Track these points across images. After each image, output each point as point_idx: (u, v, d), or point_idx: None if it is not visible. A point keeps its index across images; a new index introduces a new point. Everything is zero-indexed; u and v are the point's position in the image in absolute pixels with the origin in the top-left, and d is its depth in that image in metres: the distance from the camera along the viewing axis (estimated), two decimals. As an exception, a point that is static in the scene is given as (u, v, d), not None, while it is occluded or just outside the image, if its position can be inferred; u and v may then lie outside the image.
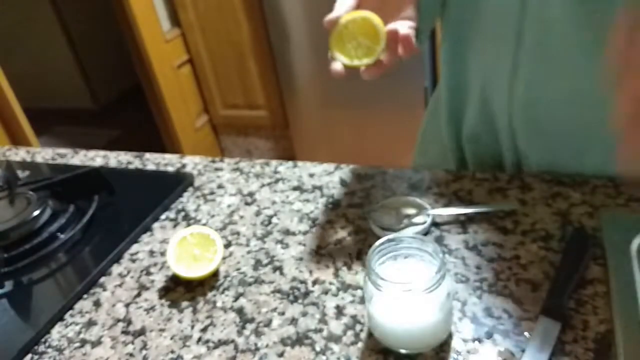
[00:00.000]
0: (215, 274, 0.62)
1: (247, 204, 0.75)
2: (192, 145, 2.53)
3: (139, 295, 0.62)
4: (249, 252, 0.65)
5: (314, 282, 0.59)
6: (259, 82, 2.38)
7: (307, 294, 0.57)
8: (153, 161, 0.91)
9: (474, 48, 0.67)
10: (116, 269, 0.67)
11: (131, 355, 0.54)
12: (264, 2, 2.13)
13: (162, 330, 0.56)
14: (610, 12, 0.54)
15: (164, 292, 0.61)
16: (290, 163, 0.82)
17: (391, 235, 0.48)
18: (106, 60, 3.51)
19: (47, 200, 0.76)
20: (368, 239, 0.63)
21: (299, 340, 0.52)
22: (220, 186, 0.80)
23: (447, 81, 0.74)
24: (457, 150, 0.78)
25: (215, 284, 0.61)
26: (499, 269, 0.56)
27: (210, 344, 0.53)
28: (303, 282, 0.59)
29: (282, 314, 0.55)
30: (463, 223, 0.63)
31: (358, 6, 0.57)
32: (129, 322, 0.58)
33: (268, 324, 0.54)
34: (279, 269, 0.62)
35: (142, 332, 0.56)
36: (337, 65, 0.56)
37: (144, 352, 0.54)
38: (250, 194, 0.77)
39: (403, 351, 0.48)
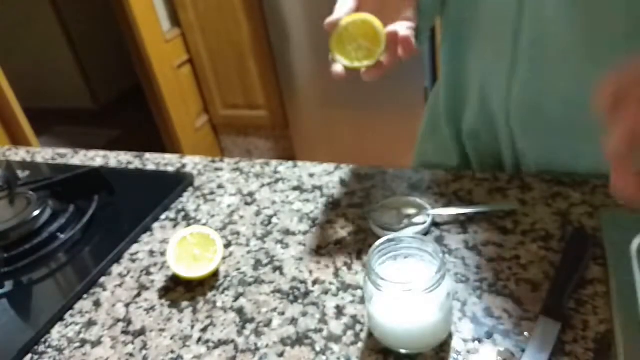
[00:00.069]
0: (215, 274, 0.62)
1: (247, 204, 0.75)
2: (192, 145, 2.53)
3: (139, 295, 0.62)
4: (249, 252, 0.65)
5: (314, 282, 0.59)
6: (259, 82, 2.38)
7: (307, 294, 0.57)
8: (153, 161, 0.91)
9: (473, 47, 0.68)
10: (116, 269, 0.67)
11: (131, 355, 0.54)
12: (264, 2, 2.13)
13: (162, 330, 0.56)
14: (604, 13, 0.55)
15: (164, 292, 0.61)
16: (290, 163, 0.82)
17: (391, 235, 0.48)
18: (106, 60, 3.51)
19: (47, 200, 0.76)
20: (368, 239, 0.63)
21: (299, 340, 0.52)
22: (220, 186, 0.80)
23: (446, 80, 0.74)
24: (459, 145, 0.78)
25: (215, 284, 0.61)
26: (499, 269, 0.56)
27: (210, 344, 0.53)
28: (303, 282, 0.59)
29: (282, 314, 0.55)
30: (463, 223, 0.63)
31: (358, 8, 0.57)
32: (129, 322, 0.58)
33: (268, 324, 0.54)
34: (279, 269, 0.62)
35: (142, 332, 0.56)
36: (337, 68, 0.57)
37: (144, 352, 0.54)
38: (250, 194, 0.77)
39: (403, 351, 0.48)
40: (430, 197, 0.68)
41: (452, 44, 0.71)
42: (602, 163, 0.34)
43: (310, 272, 0.60)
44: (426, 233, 0.62)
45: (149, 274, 0.65)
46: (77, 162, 0.95)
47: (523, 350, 0.46)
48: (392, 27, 0.56)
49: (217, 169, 0.84)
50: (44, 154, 0.99)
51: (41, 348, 0.57)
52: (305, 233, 0.66)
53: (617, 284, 0.49)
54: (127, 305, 0.60)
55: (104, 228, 0.74)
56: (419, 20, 0.61)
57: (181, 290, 0.61)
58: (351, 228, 0.66)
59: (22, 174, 0.90)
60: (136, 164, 0.91)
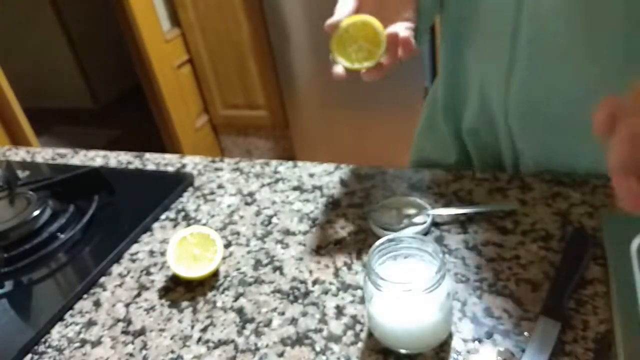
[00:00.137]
0: (215, 274, 0.62)
1: (247, 204, 0.75)
2: (192, 145, 2.53)
3: (139, 295, 0.62)
4: (249, 252, 0.65)
5: (314, 282, 0.59)
6: (259, 82, 2.38)
7: (307, 294, 0.57)
8: (153, 161, 0.91)
9: (472, 46, 0.68)
10: (116, 269, 0.67)
11: (131, 355, 0.54)
12: (264, 2, 2.13)
13: (162, 330, 0.56)
14: (603, 13, 0.55)
15: (164, 292, 0.61)
16: (290, 163, 0.82)
17: (391, 235, 0.48)
18: (106, 60, 3.51)
19: (47, 200, 0.76)
20: (368, 239, 0.63)
21: (299, 340, 0.52)
22: (220, 186, 0.80)
23: (445, 79, 0.74)
24: (457, 142, 0.78)
25: (215, 284, 0.61)
26: (499, 269, 0.56)
27: (210, 344, 0.53)
28: (303, 282, 0.59)
29: (282, 314, 0.55)
30: (463, 223, 0.63)
31: (358, 10, 0.58)
32: (129, 322, 0.58)
33: (268, 324, 0.54)
34: (279, 269, 0.62)
35: (142, 332, 0.56)
36: (338, 69, 0.57)
37: (144, 352, 0.54)
38: (250, 194, 0.77)
39: (403, 351, 0.48)
40: (430, 197, 0.68)
41: (451, 43, 0.71)
42: (601, 162, 0.34)
43: (310, 272, 0.60)
44: (426, 233, 0.62)
45: (149, 274, 0.65)
46: (77, 162, 0.95)
47: (523, 350, 0.46)
48: (392, 29, 0.56)
49: (217, 169, 0.84)
50: (44, 154, 0.99)
51: (41, 348, 0.57)
52: (305, 233, 0.66)
53: (617, 284, 0.49)
54: (127, 305, 0.60)
55: (104, 228, 0.74)
56: (418, 21, 0.61)
57: (181, 290, 0.61)
58: (351, 228, 0.66)
59: (22, 174, 0.90)
60: (136, 164, 0.91)
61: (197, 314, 0.57)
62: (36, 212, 0.73)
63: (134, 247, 0.70)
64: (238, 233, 0.69)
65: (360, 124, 2.25)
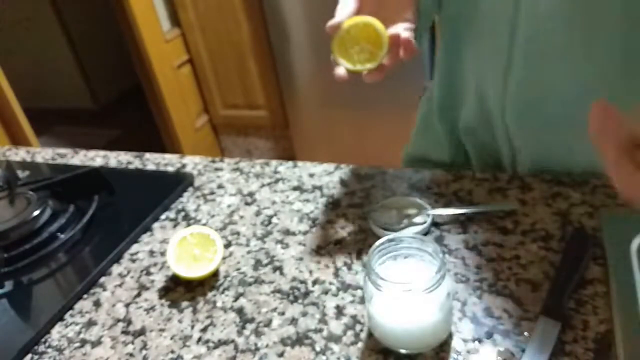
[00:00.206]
0: (215, 274, 0.62)
1: (247, 204, 0.75)
2: (192, 145, 2.53)
3: (139, 295, 0.62)
4: (249, 252, 0.65)
5: (314, 282, 0.59)
6: (259, 82, 2.38)
7: (307, 294, 0.57)
8: (153, 161, 0.91)
9: (470, 45, 0.68)
10: (116, 269, 0.67)
11: (131, 355, 0.54)
12: (264, 2, 2.13)
13: (162, 330, 0.56)
14: (600, 12, 0.55)
15: (164, 292, 0.61)
16: (290, 163, 0.82)
17: (391, 235, 0.48)
18: (106, 60, 3.51)
19: (47, 200, 0.76)
20: (368, 239, 0.63)
21: (299, 340, 0.52)
22: (220, 186, 0.80)
23: (441, 80, 0.74)
24: (452, 141, 0.78)
25: (215, 284, 0.61)
26: (499, 269, 0.56)
27: (210, 344, 0.53)
28: (303, 282, 0.59)
29: (282, 314, 0.55)
30: (463, 223, 0.63)
31: (358, 10, 0.57)
32: (129, 322, 0.58)
33: (268, 324, 0.54)
34: (279, 269, 0.62)
35: (142, 332, 0.56)
36: (340, 71, 0.57)
37: (144, 352, 0.54)
38: (250, 194, 0.77)
39: (403, 351, 0.48)
40: (430, 197, 0.68)
41: (449, 42, 0.71)
42: (598, 161, 0.34)
43: (310, 272, 0.60)
44: (426, 233, 0.62)
45: (149, 274, 0.65)
46: (77, 162, 0.95)
47: (523, 350, 0.46)
48: (393, 30, 0.56)
49: (217, 169, 0.84)
50: (44, 154, 0.99)
51: (41, 348, 0.57)
52: (305, 233, 0.66)
53: (617, 284, 0.49)
54: (127, 305, 0.60)
55: (104, 228, 0.74)
56: (418, 21, 0.61)
57: (181, 290, 0.61)
58: (351, 228, 0.66)
59: (22, 174, 0.90)
60: (136, 164, 0.91)
61: (197, 314, 0.57)
62: (36, 212, 0.73)
63: (134, 247, 0.70)
64: (238, 233, 0.69)
65: (360, 124, 2.25)
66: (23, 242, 0.70)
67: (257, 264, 0.63)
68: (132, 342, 0.55)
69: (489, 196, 0.67)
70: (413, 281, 0.44)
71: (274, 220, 0.70)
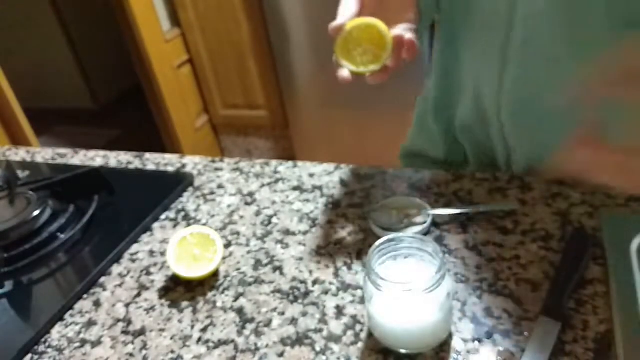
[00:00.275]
0: (215, 274, 0.62)
1: (247, 204, 0.75)
2: (192, 145, 2.53)
3: (139, 295, 0.62)
4: (249, 252, 0.65)
5: (314, 282, 0.59)
6: (259, 82, 2.38)
7: (307, 294, 0.57)
8: (153, 161, 0.91)
9: (467, 43, 0.68)
10: (116, 269, 0.67)
11: (131, 355, 0.54)
12: (264, 2, 2.13)
13: (162, 330, 0.56)
14: (584, 11, 0.55)
15: (164, 292, 0.61)
16: (290, 163, 0.82)
17: (391, 235, 0.48)
18: (106, 60, 3.51)
19: (47, 200, 0.76)
20: (368, 239, 0.63)
21: (299, 340, 0.52)
22: (220, 186, 0.80)
23: (438, 79, 0.74)
24: (447, 140, 0.78)
25: (215, 284, 0.61)
26: (499, 269, 0.56)
27: (210, 344, 0.53)
28: (303, 282, 0.59)
29: (282, 314, 0.55)
30: (463, 223, 0.63)
31: (360, 12, 0.57)
32: (129, 322, 0.58)
33: (268, 324, 0.54)
34: (279, 269, 0.62)
35: (142, 332, 0.56)
36: (344, 72, 0.57)
37: (144, 352, 0.54)
38: (250, 194, 0.77)
39: (403, 351, 0.48)
40: (430, 197, 0.68)
41: (446, 41, 0.71)
42: None
43: (310, 272, 0.60)
44: (426, 233, 0.62)
45: (149, 274, 0.65)
46: (77, 162, 0.95)
47: (523, 350, 0.46)
48: (396, 31, 0.56)
49: (217, 169, 0.84)
50: (44, 154, 0.99)
51: (41, 348, 0.57)
52: (305, 233, 0.66)
53: (617, 284, 0.49)
54: (127, 305, 0.60)
55: (104, 228, 0.74)
56: (419, 21, 0.61)
57: (181, 290, 0.61)
58: (351, 228, 0.66)
59: (22, 174, 0.90)
60: (136, 164, 0.91)
61: (197, 314, 0.57)
62: (36, 212, 0.73)
63: (134, 247, 0.70)
64: (238, 233, 0.69)
65: (360, 124, 2.25)
66: (23, 242, 0.70)
67: (257, 264, 0.63)
68: (132, 342, 0.55)
69: (489, 196, 0.67)
70: (413, 281, 0.44)
71: (274, 220, 0.70)
